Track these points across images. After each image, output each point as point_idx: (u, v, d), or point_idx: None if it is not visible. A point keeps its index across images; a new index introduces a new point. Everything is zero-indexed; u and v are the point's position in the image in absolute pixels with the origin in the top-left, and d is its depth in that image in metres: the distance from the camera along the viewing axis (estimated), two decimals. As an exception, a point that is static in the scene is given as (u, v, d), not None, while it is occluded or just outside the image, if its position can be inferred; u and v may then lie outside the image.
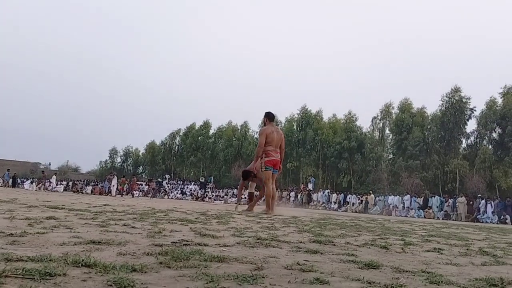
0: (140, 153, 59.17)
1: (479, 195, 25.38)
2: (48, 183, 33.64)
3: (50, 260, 1.56)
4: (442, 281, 1.69)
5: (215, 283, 1.38)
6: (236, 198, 9.54)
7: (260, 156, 8.37)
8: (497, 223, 19.70)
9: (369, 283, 1.58)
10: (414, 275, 1.83)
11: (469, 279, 1.81)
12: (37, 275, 1.29)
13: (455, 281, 1.73)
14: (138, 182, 38.03)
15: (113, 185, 27.49)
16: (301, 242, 2.94)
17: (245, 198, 14.61)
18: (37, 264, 1.47)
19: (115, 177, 29.02)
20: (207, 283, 1.38)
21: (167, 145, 53.61)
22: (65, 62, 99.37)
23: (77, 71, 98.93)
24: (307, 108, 43.58)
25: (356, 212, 24.76)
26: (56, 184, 33.32)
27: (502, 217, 21.66)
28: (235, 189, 35.62)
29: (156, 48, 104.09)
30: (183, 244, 2.38)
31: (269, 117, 8.72)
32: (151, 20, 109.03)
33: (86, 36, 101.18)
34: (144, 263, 1.63)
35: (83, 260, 1.54)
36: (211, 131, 50.94)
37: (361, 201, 27.42)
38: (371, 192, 28.22)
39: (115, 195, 25.31)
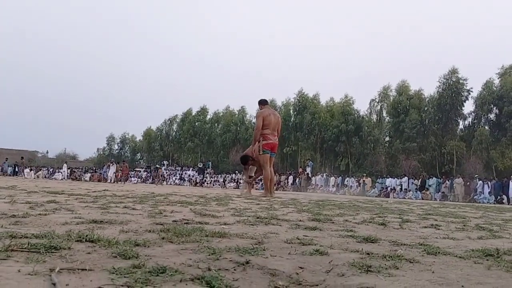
0: (137, 140, 59.09)
1: (476, 175, 25.53)
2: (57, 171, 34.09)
3: (54, 236, 1.58)
4: (439, 252, 1.73)
5: (217, 255, 1.41)
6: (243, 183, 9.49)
7: (258, 140, 8.37)
8: (494, 203, 19.87)
9: (368, 254, 1.61)
10: (411, 248, 1.87)
11: (466, 250, 1.85)
12: (42, 248, 1.31)
13: (452, 252, 1.76)
14: (136, 169, 38.16)
15: (114, 172, 27.70)
16: (300, 220, 2.98)
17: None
18: (41, 240, 1.50)
19: (115, 164, 29.16)
20: (209, 255, 1.41)
21: (164, 131, 53.51)
22: (59, 51, 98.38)
23: (71, 59, 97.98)
24: (304, 92, 43.46)
25: (354, 194, 24.90)
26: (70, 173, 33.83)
27: (499, 197, 21.85)
28: (234, 174, 35.74)
29: (151, 35, 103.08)
30: (184, 223, 2.42)
31: (263, 102, 8.72)
32: (146, 8, 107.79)
33: (81, 24, 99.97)
34: (147, 239, 1.66)
35: (87, 236, 1.56)
36: (208, 117, 50.84)
37: (359, 183, 27.57)
38: (364, 174, 28.32)
39: (113, 182, 25.45)
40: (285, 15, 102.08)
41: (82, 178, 32.05)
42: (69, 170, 36.69)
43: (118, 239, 1.58)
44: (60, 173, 35.15)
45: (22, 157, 35.93)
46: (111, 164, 29.15)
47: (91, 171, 37.57)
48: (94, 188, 8.11)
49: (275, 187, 9.90)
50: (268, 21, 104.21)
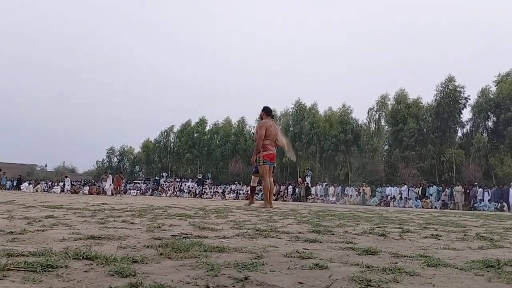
0: (135, 152, 59.04)
1: (476, 183, 25.52)
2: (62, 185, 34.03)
3: (51, 254, 1.57)
4: (439, 264, 1.71)
5: (215, 271, 1.40)
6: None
7: (259, 150, 8.44)
8: (495, 211, 19.83)
9: (368, 267, 1.60)
10: (412, 260, 1.86)
11: (466, 261, 1.83)
12: (39, 267, 1.30)
13: (453, 263, 1.75)
14: (135, 181, 37.97)
15: (110, 185, 27.53)
16: (300, 232, 2.97)
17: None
18: (38, 258, 1.48)
19: (110, 176, 29.01)
20: (207, 271, 1.40)
21: (162, 143, 53.47)
22: (56, 63, 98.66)
23: (70, 71, 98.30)
24: (301, 102, 43.63)
25: (354, 204, 24.84)
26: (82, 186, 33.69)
27: (499, 204, 21.80)
28: (233, 185, 35.65)
29: (150, 44, 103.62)
30: (183, 237, 2.40)
31: (267, 111, 8.78)
32: (142, 19, 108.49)
33: (80, 31, 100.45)
34: (145, 255, 1.64)
35: (84, 253, 1.55)
36: (207, 128, 50.89)
37: (359, 192, 27.52)
38: (364, 183, 28.33)
39: (111, 195, 25.31)
40: (284, 22, 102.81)
41: (81, 191, 31.96)
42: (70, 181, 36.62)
43: (115, 256, 1.56)
44: (59, 186, 35.10)
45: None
46: (106, 176, 28.96)
47: (90, 184, 37.47)
48: (93, 202, 8.08)
49: (274, 197, 9.94)
50: (261, 32, 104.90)
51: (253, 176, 9.35)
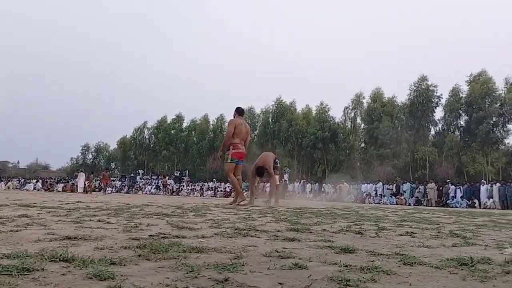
0: (110, 149, 58.13)
1: (448, 180, 26.15)
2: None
3: (26, 256, 1.53)
4: (415, 262, 1.75)
5: (195, 272, 1.39)
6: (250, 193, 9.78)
7: (227, 147, 8.55)
8: (466, 207, 20.37)
9: (346, 266, 1.62)
10: (388, 258, 1.89)
11: (441, 259, 1.88)
12: (14, 271, 1.27)
13: (428, 262, 1.79)
14: (111, 178, 37.35)
15: (79, 182, 26.98)
16: (278, 231, 2.98)
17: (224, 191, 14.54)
18: (13, 260, 1.45)
19: (82, 173, 28.43)
20: (187, 272, 1.39)
21: (137, 140, 52.75)
22: (29, 57, 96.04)
23: (41, 66, 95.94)
24: (282, 100, 43.79)
25: (331, 201, 25.12)
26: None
27: (470, 201, 22.41)
28: (211, 182, 35.50)
29: (128, 42, 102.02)
30: (161, 237, 2.38)
31: (239, 111, 8.99)
32: (117, 12, 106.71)
33: (45, 26, 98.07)
34: (123, 256, 1.62)
35: (60, 255, 1.52)
36: (185, 124, 50.49)
37: (335, 190, 27.83)
38: (343, 180, 28.70)
39: (83, 192, 24.81)
40: (261, 23, 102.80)
41: (55, 189, 31.28)
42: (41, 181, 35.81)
43: (93, 258, 1.54)
44: (32, 183, 34.27)
45: None
46: (79, 173, 28.34)
47: (64, 181, 36.72)
48: (67, 200, 7.93)
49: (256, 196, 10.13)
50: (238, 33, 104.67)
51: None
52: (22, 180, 40.98)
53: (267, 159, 9.24)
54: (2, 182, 34.02)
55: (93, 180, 29.10)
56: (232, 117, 9.01)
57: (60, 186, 32.34)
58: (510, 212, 12.55)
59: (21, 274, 1.25)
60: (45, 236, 2.23)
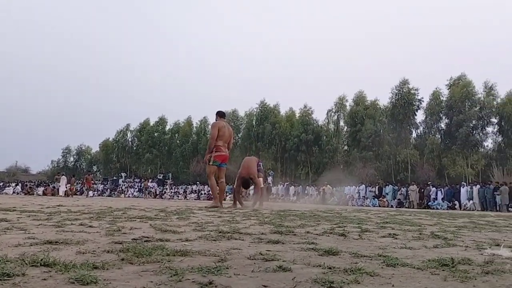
0: (92, 152, 57.35)
1: (430, 182, 26.55)
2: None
3: (6, 261, 1.50)
4: (397, 264, 1.77)
5: (179, 276, 1.38)
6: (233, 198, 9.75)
7: (211, 150, 8.49)
8: (447, 209, 20.71)
9: (330, 268, 1.63)
10: (371, 259, 1.91)
11: (423, 260, 1.91)
12: (-6, 276, 1.24)
13: (410, 263, 1.82)
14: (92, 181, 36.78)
15: (60, 185, 26.59)
16: (262, 233, 2.98)
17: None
18: (-8, 266, 1.42)
19: (63, 176, 28.02)
20: (171, 276, 1.38)
21: (120, 142, 52.13)
22: (7, 57, 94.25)
23: (23, 67, 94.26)
24: (266, 102, 43.84)
25: (314, 203, 25.24)
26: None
27: (451, 203, 22.80)
28: (194, 185, 35.34)
29: (110, 44, 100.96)
30: (144, 241, 2.36)
31: (220, 114, 9.01)
32: (103, 17, 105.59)
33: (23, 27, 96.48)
34: (106, 261, 1.60)
35: (41, 260, 1.49)
36: (168, 127, 50.14)
37: (319, 192, 27.99)
38: (326, 182, 28.87)
39: (63, 195, 24.43)
40: (244, 26, 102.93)
41: (35, 192, 30.71)
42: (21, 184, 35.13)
43: (75, 262, 1.52)
44: (11, 187, 33.59)
45: None
46: (59, 177, 27.91)
47: (45, 184, 36.08)
48: (48, 204, 7.79)
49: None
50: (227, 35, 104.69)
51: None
52: (1, 184, 40.14)
53: (251, 167, 9.13)
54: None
55: (75, 183, 28.67)
56: (215, 120, 8.99)
57: (40, 190, 31.75)
58: (489, 213, 12.80)
59: (0, 280, 1.23)
60: (26, 240, 2.19)
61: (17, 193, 31.98)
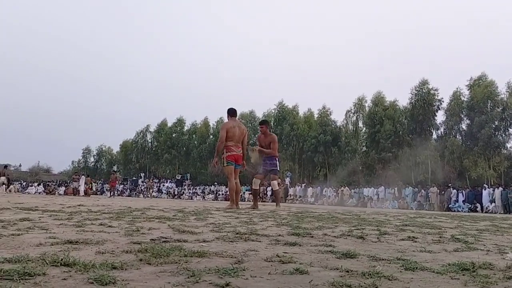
0: (114, 152, 58.18)
1: (450, 184, 26.12)
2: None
3: (28, 261, 1.53)
4: (416, 268, 1.75)
5: (196, 277, 1.39)
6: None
7: (222, 152, 8.43)
8: (468, 212, 20.33)
9: (347, 271, 1.62)
10: (389, 263, 1.89)
11: (443, 264, 1.88)
12: (15, 275, 1.27)
13: (429, 267, 1.79)
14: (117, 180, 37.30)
15: (80, 185, 27.09)
16: (279, 235, 2.98)
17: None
18: (14, 265, 1.45)
19: (83, 177, 28.51)
20: (188, 277, 1.39)
21: (139, 143, 52.76)
22: (30, 59, 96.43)
23: (45, 67, 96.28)
24: (284, 103, 43.77)
25: (332, 205, 25.09)
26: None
27: (472, 205, 22.36)
28: (212, 186, 35.52)
29: (131, 46, 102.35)
30: (162, 241, 2.38)
31: (229, 112, 8.75)
32: (120, 18, 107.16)
33: (52, 31, 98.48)
34: (124, 261, 1.62)
35: (62, 260, 1.52)
36: (186, 128, 50.52)
37: (337, 193, 27.82)
38: (345, 184, 28.66)
39: (84, 195, 24.88)
40: (268, 25, 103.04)
41: (57, 192, 31.32)
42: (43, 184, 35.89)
43: (94, 262, 1.54)
44: (33, 186, 34.33)
45: None
46: (79, 177, 28.40)
47: (66, 184, 36.77)
48: (69, 203, 7.93)
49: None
50: (246, 33, 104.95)
51: (254, 178, 9.31)
52: (24, 183, 41.06)
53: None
54: (4, 185, 34.02)
55: (90, 183, 29.17)
56: (226, 120, 8.85)
57: (61, 190, 32.39)
58: (512, 216, 12.50)
59: (22, 279, 1.25)
60: (47, 240, 2.23)
61: (39, 193, 32.66)
